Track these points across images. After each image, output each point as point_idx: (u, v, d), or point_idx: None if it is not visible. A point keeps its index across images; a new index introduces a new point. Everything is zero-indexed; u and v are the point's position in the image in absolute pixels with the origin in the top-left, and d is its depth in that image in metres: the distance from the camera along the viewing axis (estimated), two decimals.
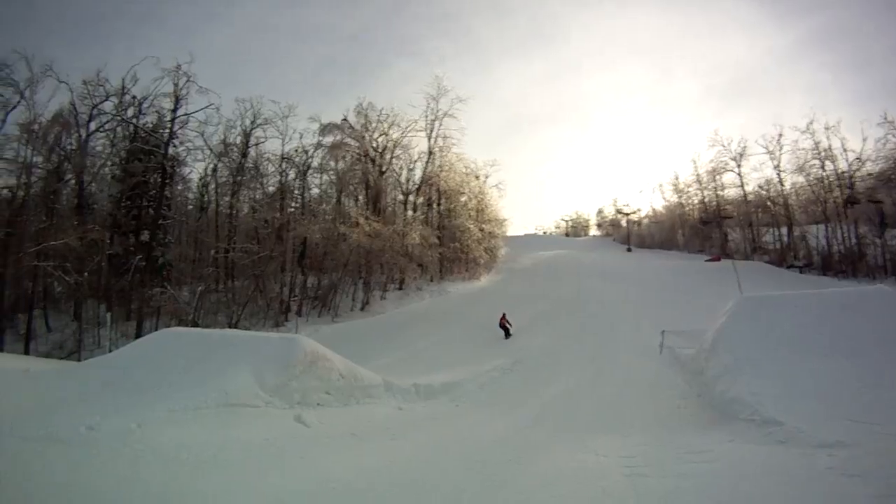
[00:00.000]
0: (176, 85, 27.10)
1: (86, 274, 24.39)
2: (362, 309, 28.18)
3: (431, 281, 31.73)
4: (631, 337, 18.73)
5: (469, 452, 7.26)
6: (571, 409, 10.89)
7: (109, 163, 27.26)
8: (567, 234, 56.41)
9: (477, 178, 36.50)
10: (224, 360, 9.97)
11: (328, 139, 31.72)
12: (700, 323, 14.02)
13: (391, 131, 32.87)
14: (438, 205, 34.11)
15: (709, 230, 39.19)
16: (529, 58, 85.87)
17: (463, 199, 34.80)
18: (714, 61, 78.71)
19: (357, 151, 32.09)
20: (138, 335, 24.06)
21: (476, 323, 22.81)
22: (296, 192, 31.06)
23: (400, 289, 30.57)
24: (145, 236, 26.24)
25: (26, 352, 23.28)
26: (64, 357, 22.79)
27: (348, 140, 32.06)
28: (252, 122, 29.72)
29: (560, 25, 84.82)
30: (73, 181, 26.70)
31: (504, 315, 20.77)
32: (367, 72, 74.43)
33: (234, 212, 28.93)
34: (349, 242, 28.34)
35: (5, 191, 25.27)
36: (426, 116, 34.05)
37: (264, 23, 75.15)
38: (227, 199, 29.29)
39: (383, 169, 32.53)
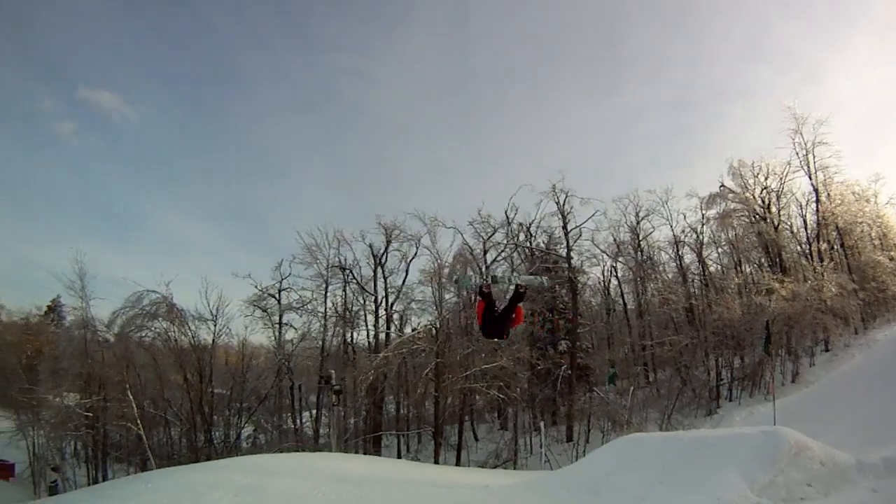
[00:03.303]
0: (558, 202, 27.89)
1: (516, 389, 25.02)
2: (793, 381, 25.28)
3: (856, 333, 27.50)
4: None
5: None
6: None
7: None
8: None
9: (868, 200, 31.28)
10: (704, 463, 9.44)
11: (712, 211, 29.80)
12: None
13: (769, 182, 29.72)
14: (841, 245, 29.79)
15: None
16: (852, 38, 71.25)
17: (859, 229, 30.00)
18: None
19: (744, 214, 29.67)
20: (569, 439, 24.78)
21: None
22: (695, 272, 29.68)
23: (827, 350, 26.92)
24: (563, 346, 25.85)
25: (458, 462, 24.58)
26: (500, 465, 23.81)
27: (733, 205, 29.73)
28: (637, 217, 29.54)
29: None
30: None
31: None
32: (703, 128, 69.50)
33: (644, 305, 28.43)
34: (768, 312, 25.31)
35: (425, 326, 27.70)
36: (795, 154, 29.89)
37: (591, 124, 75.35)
38: (630, 295, 29.51)
39: (775, 224, 29.31)
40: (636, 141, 70.66)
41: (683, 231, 29.36)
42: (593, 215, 27.73)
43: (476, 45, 78.10)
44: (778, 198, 29.70)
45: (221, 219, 66.67)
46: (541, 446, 23.63)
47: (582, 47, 77.26)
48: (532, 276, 6.81)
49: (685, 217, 29.46)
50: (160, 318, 28.07)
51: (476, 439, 26.72)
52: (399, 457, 25.67)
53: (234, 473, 13.07)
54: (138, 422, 25.05)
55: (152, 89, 69.83)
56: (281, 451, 23.15)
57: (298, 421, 28.16)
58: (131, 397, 25.31)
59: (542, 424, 24.50)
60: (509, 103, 77.26)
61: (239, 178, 71.51)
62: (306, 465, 16.43)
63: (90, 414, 26.60)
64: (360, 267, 27.69)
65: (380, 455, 25.30)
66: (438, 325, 26.24)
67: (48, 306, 38.17)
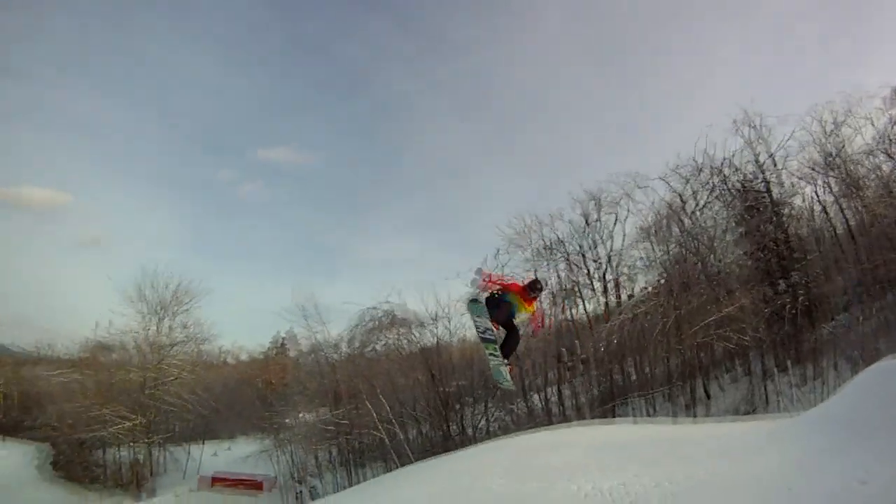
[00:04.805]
0: (752, 127, 27.06)
1: (752, 332, 24.70)
2: None
3: None
4: None
5: None
6: None
7: (725, 228, 27.87)
8: None
9: None
10: None
11: None
12: None
13: None
14: None
15: None
16: None
17: None
18: None
19: None
20: (813, 378, 23.65)
21: None
22: None
23: None
24: (793, 278, 25.71)
25: (704, 415, 24.16)
26: (747, 413, 22.96)
27: None
28: (835, 122, 27.23)
29: None
30: (696, 259, 27.81)
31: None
32: (872, 13, 61.76)
33: (863, 222, 26.58)
34: None
35: (654, 283, 28.04)
36: None
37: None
38: (847, 212, 27.35)
39: None
40: (804, 44, 67.49)
41: (887, 127, 26.48)
42: (791, 134, 26.66)
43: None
44: None
45: (424, 229, 74.91)
46: (782, 388, 23.50)
47: None
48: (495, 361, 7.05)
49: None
50: (390, 328, 30.78)
51: (718, 390, 26.75)
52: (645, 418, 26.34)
53: (500, 453, 13.88)
54: (390, 423, 27.64)
55: (321, 135, 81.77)
56: (529, 430, 24.22)
57: (540, 399, 29.75)
58: (383, 401, 27.95)
59: (786, 364, 24.37)
60: (660, 45, 78.00)
61: (428, 189, 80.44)
62: (566, 439, 16.88)
63: (339, 422, 29.45)
64: (567, 243, 29.14)
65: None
66: (667, 279, 26.71)
67: (280, 341, 42.02)
